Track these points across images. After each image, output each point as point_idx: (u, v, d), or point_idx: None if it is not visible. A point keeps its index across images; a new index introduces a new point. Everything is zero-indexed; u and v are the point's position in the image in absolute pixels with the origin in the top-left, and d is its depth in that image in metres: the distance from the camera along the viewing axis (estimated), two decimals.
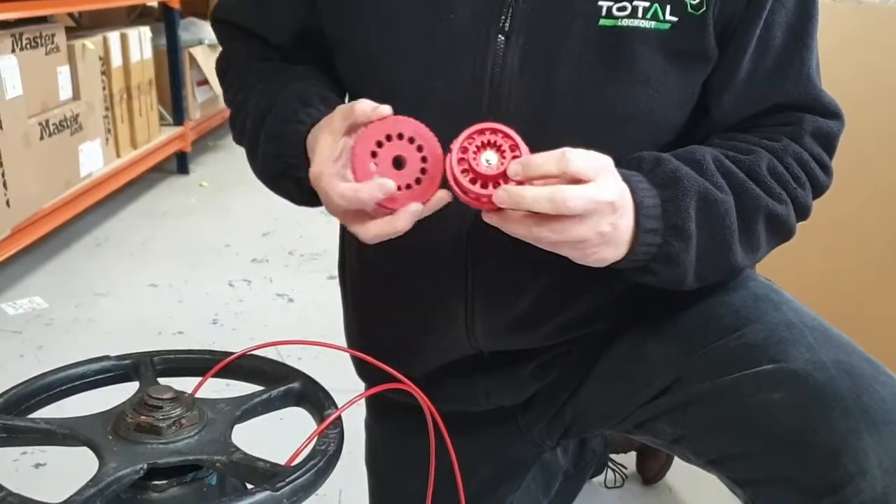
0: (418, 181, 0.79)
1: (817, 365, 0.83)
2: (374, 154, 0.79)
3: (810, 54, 0.92)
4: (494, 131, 0.77)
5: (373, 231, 0.79)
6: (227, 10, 1.08)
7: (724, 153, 0.89)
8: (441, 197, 0.79)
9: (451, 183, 0.77)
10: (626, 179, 0.81)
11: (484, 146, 0.76)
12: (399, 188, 0.78)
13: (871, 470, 0.77)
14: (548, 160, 0.75)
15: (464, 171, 0.76)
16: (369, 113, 0.78)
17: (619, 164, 0.82)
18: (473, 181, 0.76)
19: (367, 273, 1.07)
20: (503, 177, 0.76)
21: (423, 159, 0.79)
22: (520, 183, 0.75)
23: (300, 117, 0.90)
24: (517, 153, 0.76)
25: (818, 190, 0.94)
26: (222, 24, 1.10)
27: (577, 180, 0.75)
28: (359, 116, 0.79)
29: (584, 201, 0.74)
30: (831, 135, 0.94)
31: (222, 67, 1.09)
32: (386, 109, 0.79)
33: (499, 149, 0.76)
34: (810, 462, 0.80)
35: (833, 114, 0.94)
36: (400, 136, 0.79)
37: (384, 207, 0.78)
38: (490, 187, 0.76)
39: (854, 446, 0.78)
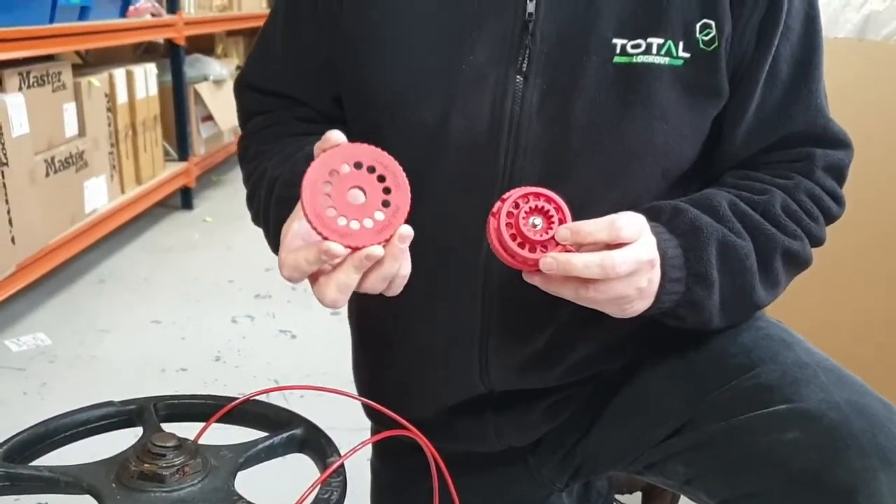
0: (380, 215, 0.72)
1: (831, 405, 0.83)
2: (326, 188, 0.71)
3: (817, 85, 0.94)
4: (538, 195, 0.78)
5: (330, 292, 0.74)
6: (262, 78, 1.06)
7: (738, 195, 0.91)
8: (404, 234, 0.73)
9: (498, 245, 0.79)
10: None
11: (531, 211, 0.78)
12: (358, 223, 0.71)
13: None
14: (599, 229, 0.78)
15: (511, 235, 0.78)
16: (320, 146, 0.74)
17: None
18: (521, 245, 0.78)
19: (377, 311, 1.06)
20: (551, 241, 0.78)
21: (386, 190, 0.72)
22: (565, 248, 0.78)
23: None
24: (562, 217, 0.78)
25: (831, 220, 0.96)
26: (254, 91, 1.07)
27: (620, 243, 0.78)
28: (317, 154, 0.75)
29: (631, 264, 0.78)
30: (842, 166, 0.96)
31: (243, 147, 1.06)
32: (336, 136, 0.73)
33: (544, 213, 0.78)
34: (825, 501, 0.80)
35: (842, 143, 0.97)
36: (358, 166, 0.72)
37: (347, 247, 0.71)
38: (538, 251, 0.78)
39: (870, 485, 0.78)
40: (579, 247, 0.79)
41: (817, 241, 0.94)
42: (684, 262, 0.85)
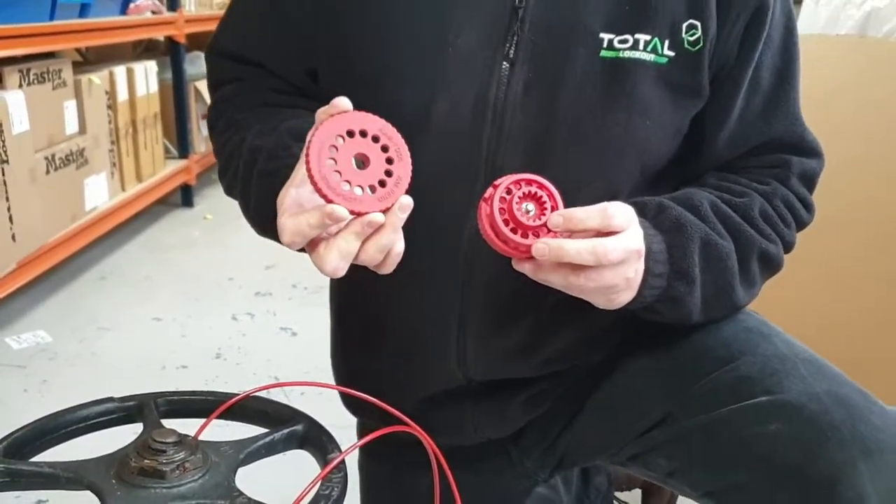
0: (382, 184, 0.73)
1: (811, 396, 0.84)
2: (332, 152, 0.71)
3: (795, 94, 0.97)
4: (530, 182, 0.78)
5: (332, 259, 0.74)
6: (236, 44, 1.04)
7: (720, 196, 0.93)
8: (405, 203, 0.74)
9: (489, 231, 0.78)
10: None
11: (524, 197, 0.78)
12: (361, 190, 0.72)
13: (868, 499, 0.78)
14: (591, 216, 0.78)
15: (504, 220, 0.77)
16: (326, 110, 0.74)
17: None
18: (514, 231, 0.78)
19: (358, 296, 1.06)
20: (543, 228, 0.78)
21: (389, 160, 0.73)
22: (556, 235, 0.78)
23: (293, 151, 0.87)
24: (554, 204, 0.78)
25: (801, 226, 0.99)
26: (226, 58, 1.06)
27: (611, 231, 0.78)
28: (321, 118, 0.75)
29: (622, 252, 0.78)
30: (814, 174, 0.99)
31: (213, 117, 1.05)
32: (343, 102, 0.73)
33: (537, 200, 0.78)
34: (807, 493, 0.80)
35: (816, 153, 0.99)
36: (363, 134, 0.73)
37: (351, 212, 0.72)
38: (530, 237, 0.78)
39: (851, 476, 0.78)
40: (570, 234, 0.79)
41: (789, 247, 0.97)
42: (668, 257, 0.86)
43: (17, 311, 2.63)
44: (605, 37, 0.88)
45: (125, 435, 0.83)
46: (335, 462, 0.76)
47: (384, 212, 0.73)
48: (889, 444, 0.80)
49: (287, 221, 0.76)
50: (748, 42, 0.92)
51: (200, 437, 0.80)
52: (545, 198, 0.78)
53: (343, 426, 0.96)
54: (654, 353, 0.99)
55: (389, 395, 0.87)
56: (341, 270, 0.75)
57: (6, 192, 2.32)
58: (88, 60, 3.46)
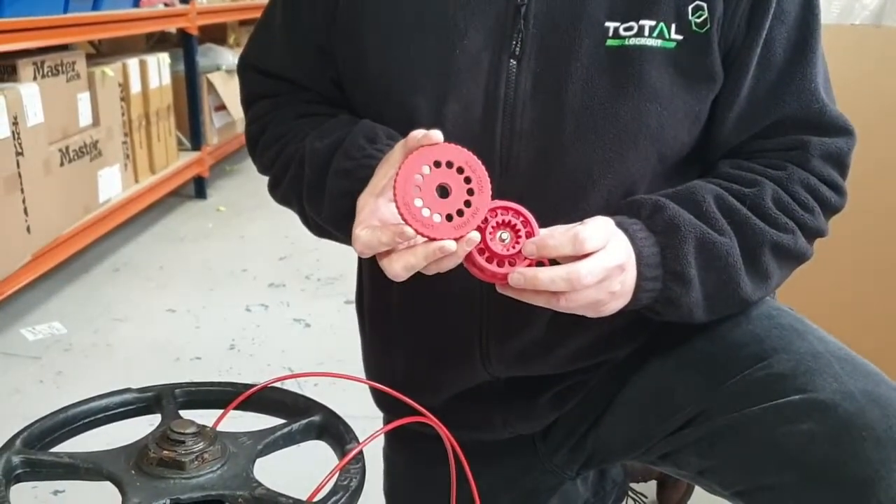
0: (460, 213, 0.76)
1: (846, 395, 0.82)
2: (418, 179, 0.76)
3: (813, 69, 0.92)
4: (506, 209, 0.79)
5: (398, 268, 0.78)
6: (264, 60, 1.07)
7: (728, 188, 0.90)
8: (471, 238, 0.77)
9: (466, 260, 0.79)
10: (625, 229, 0.84)
11: (499, 226, 0.79)
12: (440, 217, 0.76)
13: None
14: (563, 243, 0.78)
15: (479, 249, 0.79)
16: (420, 139, 0.77)
17: (618, 209, 0.87)
18: (489, 260, 0.79)
19: (382, 302, 1.07)
20: (519, 255, 0.79)
21: (469, 192, 0.77)
22: (533, 261, 0.79)
23: (369, 152, 0.89)
24: (530, 230, 0.79)
25: (831, 211, 0.94)
26: (256, 73, 1.08)
27: (588, 252, 0.79)
28: (411, 144, 0.78)
29: (598, 273, 0.79)
30: (841, 154, 0.94)
31: (255, 132, 1.07)
32: (437, 135, 0.77)
33: (512, 227, 0.79)
34: (841, 493, 0.79)
35: (841, 129, 0.94)
36: (449, 165, 0.77)
37: (421, 235, 0.76)
38: (506, 265, 0.79)
39: (886, 477, 0.77)
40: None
41: (815, 233, 0.93)
42: (661, 260, 0.85)
43: (32, 302, 2.64)
44: (610, 25, 0.87)
45: (138, 427, 0.84)
46: (353, 452, 0.77)
47: (457, 240, 0.76)
48: None
49: (362, 233, 0.80)
50: (755, 19, 0.89)
51: (218, 428, 0.81)
52: (520, 225, 0.79)
53: (360, 416, 0.96)
54: (684, 352, 0.97)
55: (421, 394, 0.88)
56: (402, 278, 0.79)
57: (21, 184, 2.33)
58: (101, 53, 3.47)
